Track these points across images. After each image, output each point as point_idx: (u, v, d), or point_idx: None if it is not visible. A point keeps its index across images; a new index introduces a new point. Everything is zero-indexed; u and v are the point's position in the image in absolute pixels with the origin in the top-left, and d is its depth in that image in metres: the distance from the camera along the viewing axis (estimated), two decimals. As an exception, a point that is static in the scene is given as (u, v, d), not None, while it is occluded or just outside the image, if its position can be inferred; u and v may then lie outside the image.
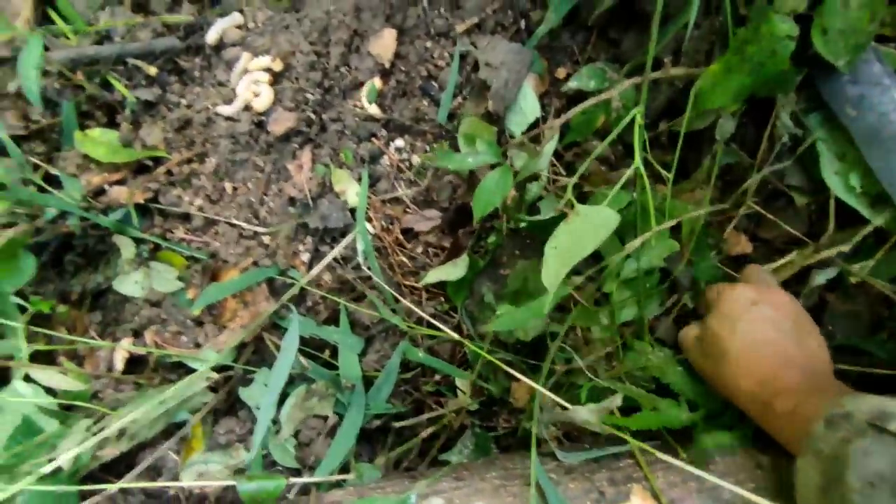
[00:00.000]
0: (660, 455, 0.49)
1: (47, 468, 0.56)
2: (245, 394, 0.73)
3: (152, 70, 0.71)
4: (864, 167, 0.63)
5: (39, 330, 0.67)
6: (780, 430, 0.50)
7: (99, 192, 0.69)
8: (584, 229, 0.55)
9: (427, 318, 0.68)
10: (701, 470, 0.47)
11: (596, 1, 0.64)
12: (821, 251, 0.63)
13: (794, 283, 0.67)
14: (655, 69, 0.62)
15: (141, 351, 0.72)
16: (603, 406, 0.51)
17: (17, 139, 0.70)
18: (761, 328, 0.56)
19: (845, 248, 0.65)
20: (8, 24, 0.62)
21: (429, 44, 0.74)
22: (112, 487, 0.62)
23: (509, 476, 0.53)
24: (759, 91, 0.59)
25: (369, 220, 0.73)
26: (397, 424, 0.68)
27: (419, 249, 0.74)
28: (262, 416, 0.66)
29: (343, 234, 0.72)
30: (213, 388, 0.73)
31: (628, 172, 0.57)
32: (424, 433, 0.68)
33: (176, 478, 0.71)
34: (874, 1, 0.53)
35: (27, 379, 0.63)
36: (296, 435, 0.72)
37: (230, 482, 0.68)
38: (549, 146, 0.67)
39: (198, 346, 0.72)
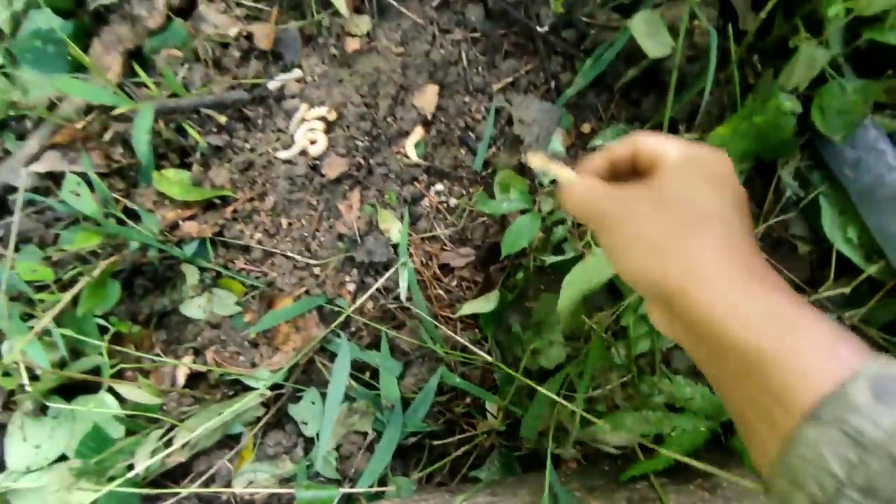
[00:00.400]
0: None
1: (130, 473, 0.64)
2: (294, 410, 0.80)
3: (222, 119, 0.80)
4: (860, 222, 0.70)
5: (117, 348, 0.76)
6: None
7: (173, 226, 0.78)
8: (596, 267, 0.63)
9: (465, 343, 0.75)
10: (709, 494, 0.53)
11: (622, 71, 0.72)
12: (820, 296, 0.70)
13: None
14: (672, 131, 0.70)
15: (202, 368, 0.80)
16: (630, 437, 0.58)
17: (100, 176, 0.79)
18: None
19: (845, 289, 0.72)
20: (127, 99, 0.72)
21: (467, 99, 0.83)
22: (184, 491, 0.69)
23: (539, 492, 0.59)
24: (764, 155, 0.66)
25: (410, 255, 0.80)
26: (435, 443, 0.75)
27: (454, 283, 0.81)
28: (322, 433, 0.72)
29: (386, 268, 0.80)
30: (265, 404, 0.81)
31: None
32: (457, 452, 0.75)
33: (228, 485, 0.79)
34: (868, 86, 0.61)
35: (111, 391, 0.71)
36: (337, 448, 0.80)
37: (279, 490, 0.75)
38: (575, 195, 0.75)
39: (253, 365, 0.79)
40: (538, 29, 0.78)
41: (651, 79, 0.75)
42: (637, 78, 0.73)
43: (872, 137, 0.69)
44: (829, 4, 0.58)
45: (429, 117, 0.82)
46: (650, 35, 0.65)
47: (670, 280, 0.33)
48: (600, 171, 0.41)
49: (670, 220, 0.34)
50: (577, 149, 0.80)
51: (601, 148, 0.76)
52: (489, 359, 0.68)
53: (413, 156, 0.82)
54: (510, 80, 0.81)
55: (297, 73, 0.82)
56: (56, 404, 0.71)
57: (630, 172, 0.40)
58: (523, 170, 0.78)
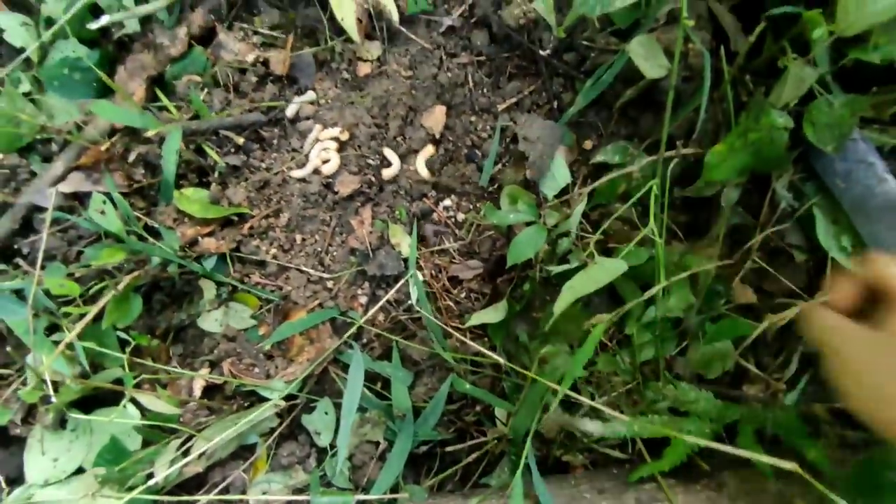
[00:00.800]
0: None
1: (150, 482, 0.65)
2: (307, 420, 0.82)
3: (240, 140, 0.84)
4: (853, 231, 0.73)
5: (136, 360, 0.78)
6: None
7: (192, 242, 0.81)
8: (597, 274, 0.66)
9: (479, 349, 0.78)
10: (715, 492, 0.55)
11: (620, 91, 0.76)
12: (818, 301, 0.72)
13: (794, 331, 0.76)
14: (670, 147, 0.73)
15: (218, 380, 0.82)
16: (604, 426, 0.60)
17: (122, 195, 0.83)
18: None
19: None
20: (156, 121, 0.76)
21: (473, 118, 0.86)
22: (202, 499, 0.71)
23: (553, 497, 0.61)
24: (759, 168, 0.69)
25: (420, 268, 0.83)
26: (446, 450, 0.77)
27: (463, 295, 0.84)
28: (340, 441, 0.73)
29: (396, 280, 0.83)
30: (279, 415, 0.83)
31: (643, 231, 0.68)
32: (468, 459, 0.77)
33: (244, 495, 0.80)
34: (854, 101, 0.64)
35: (133, 402, 0.73)
36: (350, 458, 0.81)
37: (293, 498, 0.77)
38: (579, 208, 0.78)
39: (268, 376, 0.82)
40: (540, 52, 0.82)
41: (649, 98, 0.79)
42: (635, 97, 0.77)
43: (862, 150, 0.72)
44: (814, 27, 0.62)
45: (437, 136, 0.86)
46: (647, 57, 0.69)
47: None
48: (845, 300, 0.46)
49: None
50: (580, 164, 0.84)
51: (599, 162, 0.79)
52: (501, 361, 0.70)
53: (422, 173, 0.85)
54: (514, 100, 0.85)
55: (310, 95, 0.87)
56: (77, 415, 0.73)
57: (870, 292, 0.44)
58: (528, 184, 0.81)
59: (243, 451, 0.83)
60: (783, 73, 0.67)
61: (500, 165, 0.85)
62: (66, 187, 0.81)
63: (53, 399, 0.70)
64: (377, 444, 0.81)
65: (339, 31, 0.84)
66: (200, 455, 0.76)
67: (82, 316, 0.72)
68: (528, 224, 0.75)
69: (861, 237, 0.73)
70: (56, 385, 0.73)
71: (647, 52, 0.69)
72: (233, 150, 0.85)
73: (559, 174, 0.81)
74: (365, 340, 0.83)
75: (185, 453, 0.75)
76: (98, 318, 0.73)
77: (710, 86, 0.70)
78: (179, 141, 0.76)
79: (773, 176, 0.72)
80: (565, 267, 0.73)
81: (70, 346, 0.74)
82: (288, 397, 0.81)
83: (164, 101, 0.83)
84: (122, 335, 0.79)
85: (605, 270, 0.65)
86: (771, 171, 0.70)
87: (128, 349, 0.76)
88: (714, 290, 0.78)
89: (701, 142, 0.73)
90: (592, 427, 0.70)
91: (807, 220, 0.77)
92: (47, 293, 0.74)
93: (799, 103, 0.67)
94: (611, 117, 0.82)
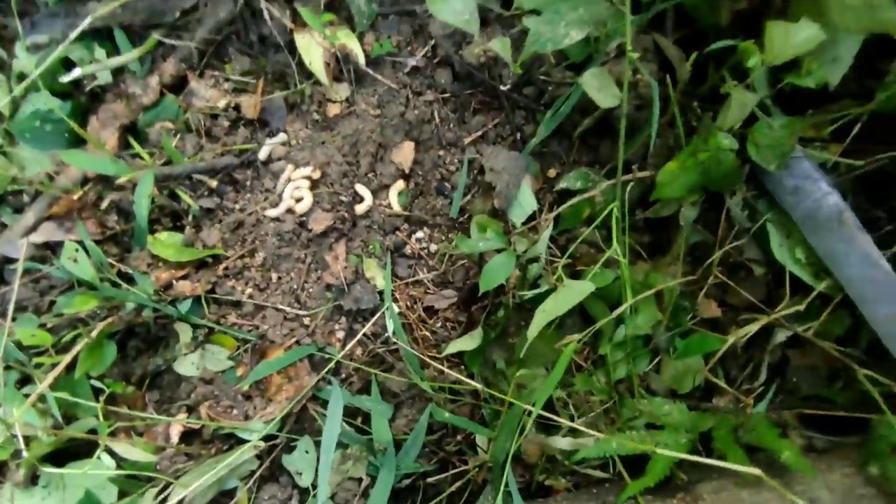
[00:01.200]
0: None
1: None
2: (288, 460, 0.81)
3: (213, 183, 0.85)
4: (806, 243, 0.77)
5: (111, 408, 0.77)
6: None
7: (167, 286, 0.81)
8: (567, 297, 0.68)
9: (457, 377, 0.78)
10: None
11: (578, 121, 0.80)
12: (779, 314, 0.76)
13: (759, 342, 0.78)
14: (627, 171, 0.77)
15: (196, 424, 0.81)
16: (578, 441, 0.61)
17: (95, 243, 0.83)
18: None
19: (799, 307, 0.77)
20: (128, 168, 0.78)
21: (441, 152, 0.90)
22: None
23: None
24: (709, 186, 0.73)
25: (395, 300, 0.84)
26: (429, 481, 0.77)
27: (439, 324, 0.85)
28: (320, 480, 0.73)
29: (373, 314, 0.84)
30: (259, 456, 0.82)
31: (608, 253, 0.71)
32: (451, 488, 0.76)
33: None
34: (793, 122, 0.69)
35: (108, 451, 0.72)
36: (332, 496, 0.80)
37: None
38: (546, 233, 0.80)
39: (247, 417, 0.81)
40: (501, 87, 0.86)
41: (605, 126, 0.83)
42: (592, 126, 0.81)
43: (807, 167, 0.77)
44: (749, 57, 0.67)
45: (407, 171, 0.89)
46: (600, 88, 0.73)
47: None
48: None
49: None
50: (545, 192, 0.87)
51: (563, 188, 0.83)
52: (478, 387, 0.71)
53: (394, 207, 0.87)
54: (479, 133, 0.89)
55: (282, 137, 0.89)
56: (50, 469, 0.72)
57: None
58: (497, 213, 0.84)
59: (223, 497, 0.81)
60: (727, 99, 0.72)
61: (468, 196, 0.88)
62: (37, 237, 0.81)
63: (25, 454, 0.69)
64: (360, 480, 0.80)
65: (308, 74, 0.87)
66: (179, 503, 0.74)
67: (54, 366, 0.72)
68: (499, 251, 0.78)
69: (814, 249, 0.77)
70: (27, 439, 0.71)
71: (599, 83, 0.73)
72: (206, 193, 0.86)
73: (526, 202, 0.84)
74: (343, 375, 0.83)
75: (163, 502, 0.73)
76: (71, 367, 0.72)
77: (660, 112, 0.74)
78: (151, 186, 0.77)
79: (727, 195, 0.75)
80: (536, 291, 0.75)
81: (42, 397, 0.72)
82: (267, 438, 0.80)
83: (137, 148, 0.85)
84: (96, 383, 0.78)
85: (573, 293, 0.68)
86: (722, 189, 0.74)
87: (102, 398, 0.75)
88: (680, 305, 0.81)
89: (656, 165, 0.76)
90: (570, 445, 0.71)
91: (762, 236, 0.81)
92: (18, 345, 0.73)
93: (743, 126, 0.72)
94: (572, 146, 0.86)
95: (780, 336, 0.79)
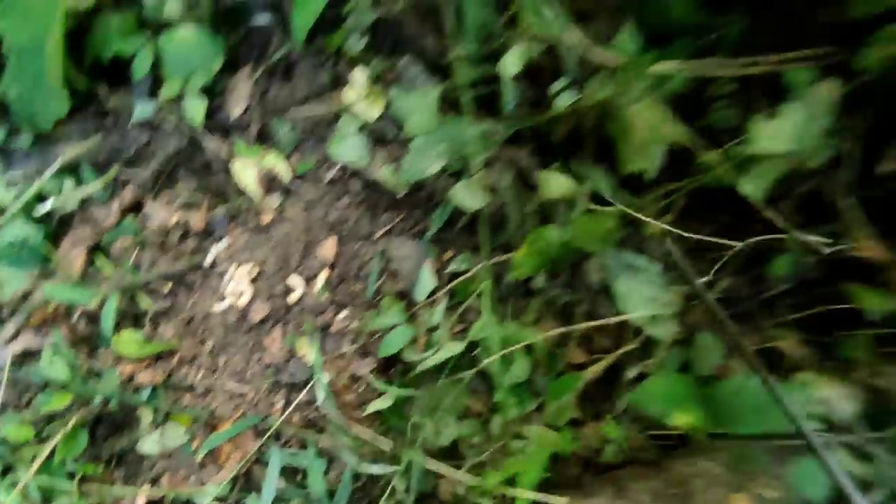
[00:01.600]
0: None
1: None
2: (239, 519, 0.96)
3: (168, 287, 1.03)
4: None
5: (83, 490, 0.91)
6: None
7: (130, 377, 0.97)
8: (450, 351, 0.87)
9: (372, 433, 0.95)
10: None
11: (461, 216, 1.03)
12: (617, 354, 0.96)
13: (611, 377, 0.99)
14: (500, 253, 0.99)
15: (157, 495, 0.95)
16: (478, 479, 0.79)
17: (67, 345, 0.99)
18: None
19: (635, 345, 0.98)
20: (95, 293, 0.95)
21: (358, 246, 1.10)
22: None
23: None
24: (552, 266, 0.95)
25: (325, 371, 1.02)
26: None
27: (362, 389, 1.03)
28: None
29: (306, 384, 1.01)
30: (214, 518, 0.96)
31: (485, 317, 0.91)
32: (377, 529, 0.92)
33: None
34: (608, 214, 0.92)
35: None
36: (280, 547, 0.95)
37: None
38: (441, 306, 1.00)
39: (202, 483, 0.96)
40: (398, 196, 1.08)
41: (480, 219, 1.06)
42: (470, 220, 1.03)
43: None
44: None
45: (331, 263, 1.08)
46: (469, 195, 0.95)
47: None
48: None
49: None
50: (442, 271, 1.08)
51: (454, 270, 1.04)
52: (386, 442, 0.88)
53: (321, 293, 1.06)
54: (388, 228, 1.10)
55: (225, 243, 1.08)
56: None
57: None
58: (404, 293, 1.04)
59: (185, 558, 0.94)
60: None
61: (381, 280, 1.08)
62: (18, 346, 0.97)
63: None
64: (302, 530, 0.95)
65: (244, 191, 1.08)
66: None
67: (35, 456, 0.86)
68: (400, 324, 0.97)
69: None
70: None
71: (467, 192, 0.95)
72: (162, 296, 1.04)
73: (426, 282, 1.04)
74: (284, 440, 0.99)
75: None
76: (49, 455, 0.87)
77: (519, 208, 0.97)
78: (116, 304, 0.95)
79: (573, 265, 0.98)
80: (430, 354, 0.94)
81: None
82: (221, 499, 0.95)
83: (102, 263, 1.02)
84: (71, 467, 0.92)
85: (453, 351, 0.87)
86: (563, 266, 0.96)
87: (76, 479, 0.89)
88: (552, 353, 1.01)
89: (515, 248, 0.98)
90: (468, 480, 0.88)
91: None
92: (3, 440, 0.87)
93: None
94: (459, 233, 1.08)
95: (632, 372, 0.99)
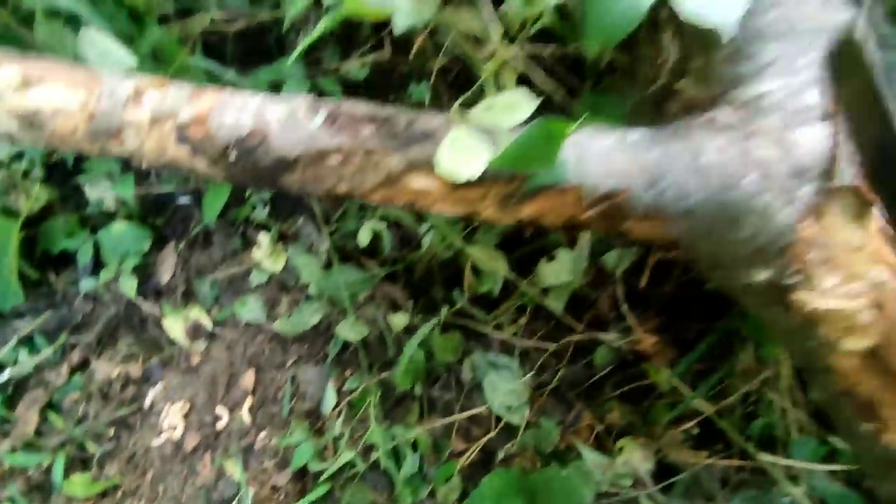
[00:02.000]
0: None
1: None
2: None
3: (111, 431, 1.23)
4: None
5: None
6: None
7: (80, 515, 1.15)
8: (358, 461, 1.11)
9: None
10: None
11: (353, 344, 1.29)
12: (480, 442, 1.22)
13: (487, 459, 1.24)
14: (387, 369, 1.25)
15: None
16: None
17: (22, 495, 1.16)
18: None
19: (492, 435, 1.24)
20: (46, 454, 1.15)
21: (273, 374, 1.34)
22: None
23: None
24: (427, 374, 1.22)
25: (250, 485, 1.23)
26: None
27: (283, 496, 1.23)
28: None
29: (234, 499, 1.21)
30: None
31: (372, 426, 1.15)
32: None
33: None
34: (451, 337, 1.21)
35: None
36: None
37: None
38: (342, 418, 1.25)
39: None
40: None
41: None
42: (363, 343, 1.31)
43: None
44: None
45: (252, 391, 1.32)
46: (352, 330, 1.23)
47: None
48: None
49: None
50: (342, 389, 1.33)
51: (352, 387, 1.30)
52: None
53: (245, 420, 1.29)
54: (296, 357, 1.35)
55: (160, 386, 1.30)
56: None
57: None
58: (310, 413, 1.28)
59: None
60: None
61: (293, 401, 1.31)
62: (-21, 502, 1.14)
63: None
64: None
65: (174, 340, 1.31)
66: None
67: None
68: (307, 439, 1.20)
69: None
70: None
71: (351, 327, 1.23)
72: (107, 439, 1.24)
73: (330, 399, 1.29)
74: (218, 551, 1.18)
75: None
76: None
77: (391, 334, 1.24)
78: (63, 465, 1.14)
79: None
80: (332, 460, 1.17)
81: None
82: None
83: (54, 419, 1.22)
84: None
85: (349, 456, 1.11)
86: (438, 372, 1.23)
87: None
88: (437, 445, 1.26)
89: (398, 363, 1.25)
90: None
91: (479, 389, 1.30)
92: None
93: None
94: (353, 355, 1.34)
95: (500, 454, 1.25)
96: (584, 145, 0.58)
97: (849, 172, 0.51)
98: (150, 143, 0.62)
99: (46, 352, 1.27)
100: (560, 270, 1.10)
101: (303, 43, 0.88)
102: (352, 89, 1.32)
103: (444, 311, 1.25)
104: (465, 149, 0.57)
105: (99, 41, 0.97)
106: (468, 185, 0.58)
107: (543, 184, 0.57)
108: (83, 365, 1.30)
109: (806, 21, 0.54)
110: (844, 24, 0.50)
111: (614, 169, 0.57)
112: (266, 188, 1.20)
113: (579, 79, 0.98)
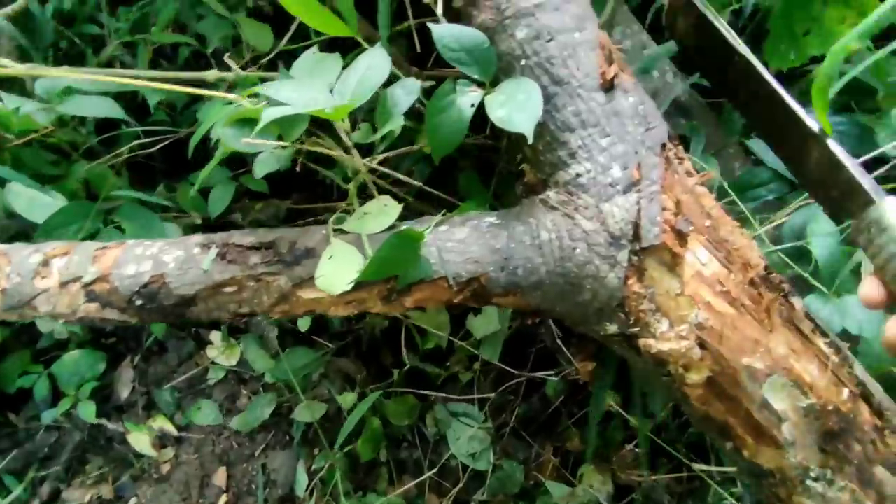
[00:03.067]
0: None
1: None
2: None
3: (91, 557, 1.25)
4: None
5: None
6: None
7: None
8: None
9: None
10: None
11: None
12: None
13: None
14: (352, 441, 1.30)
15: None
16: None
17: None
18: None
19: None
20: None
21: (244, 465, 1.37)
22: None
23: None
24: (386, 441, 1.27)
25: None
26: None
27: (270, 588, 1.26)
28: None
29: None
30: None
31: (341, 499, 1.19)
32: None
33: None
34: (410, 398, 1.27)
35: None
36: None
37: None
38: (316, 495, 1.28)
39: None
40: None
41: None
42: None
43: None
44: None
45: (225, 486, 1.35)
46: (308, 411, 1.28)
47: None
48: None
49: None
50: (311, 468, 1.36)
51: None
52: None
53: (221, 517, 1.31)
54: (264, 445, 1.39)
55: (133, 502, 1.32)
56: None
57: None
58: (285, 499, 1.31)
59: None
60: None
61: (267, 490, 1.35)
62: None
63: None
64: None
65: (139, 454, 1.34)
66: None
67: None
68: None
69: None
70: None
71: (307, 408, 1.28)
72: (87, 567, 1.25)
73: (301, 479, 1.33)
74: None
75: None
76: None
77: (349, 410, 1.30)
78: None
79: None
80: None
81: None
82: None
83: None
84: None
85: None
86: (400, 432, 1.29)
87: None
88: (412, 503, 1.30)
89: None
90: None
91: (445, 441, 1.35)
92: None
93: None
94: (316, 434, 1.38)
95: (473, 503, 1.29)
96: (444, 239, 0.66)
97: (654, 231, 0.60)
98: (62, 306, 0.68)
99: (17, 490, 1.29)
100: (488, 322, 1.18)
101: (213, 160, 0.96)
102: (276, 180, 1.41)
103: (396, 374, 1.31)
104: (339, 263, 0.65)
105: (23, 192, 1.04)
106: (351, 291, 0.65)
107: (413, 280, 0.65)
108: (55, 496, 1.31)
109: (599, 108, 0.63)
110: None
111: (471, 257, 0.65)
112: (176, 322, 1.26)
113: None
